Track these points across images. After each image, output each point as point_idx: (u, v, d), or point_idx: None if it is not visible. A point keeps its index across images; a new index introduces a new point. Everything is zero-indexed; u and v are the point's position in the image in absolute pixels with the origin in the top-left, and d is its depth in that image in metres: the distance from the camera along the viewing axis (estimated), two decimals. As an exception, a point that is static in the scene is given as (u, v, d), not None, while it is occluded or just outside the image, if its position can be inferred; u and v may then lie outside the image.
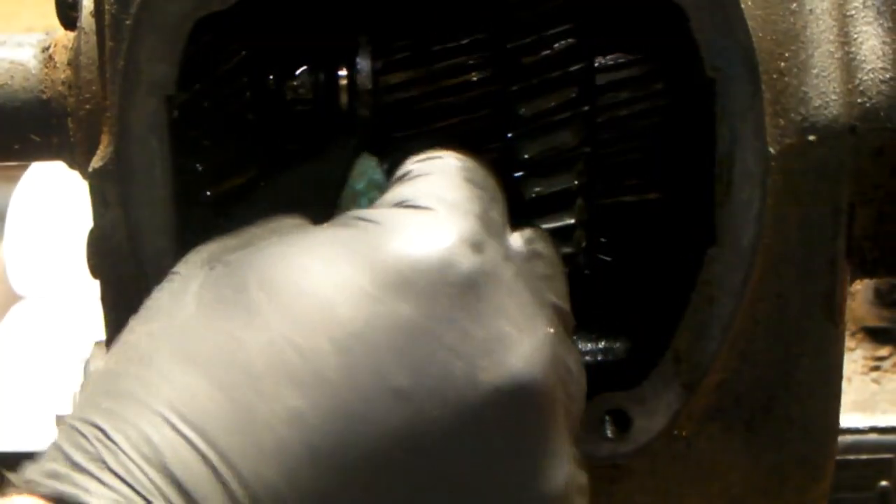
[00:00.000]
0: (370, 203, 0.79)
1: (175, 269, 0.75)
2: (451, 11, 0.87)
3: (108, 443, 0.65)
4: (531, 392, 0.69)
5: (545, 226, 0.86)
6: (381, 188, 0.80)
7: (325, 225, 0.74)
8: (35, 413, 1.77)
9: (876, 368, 1.67)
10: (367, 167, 0.83)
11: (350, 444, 0.65)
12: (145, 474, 0.64)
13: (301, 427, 0.65)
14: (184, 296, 0.71)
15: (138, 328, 0.72)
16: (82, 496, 0.64)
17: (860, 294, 1.71)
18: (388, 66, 0.87)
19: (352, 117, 0.87)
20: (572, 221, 0.87)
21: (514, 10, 0.87)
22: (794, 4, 0.83)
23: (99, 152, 0.84)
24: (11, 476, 0.66)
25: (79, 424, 0.67)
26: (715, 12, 0.80)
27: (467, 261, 0.69)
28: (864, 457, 1.52)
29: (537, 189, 0.87)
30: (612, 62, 0.88)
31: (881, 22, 0.86)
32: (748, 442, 0.89)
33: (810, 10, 0.84)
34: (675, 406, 0.85)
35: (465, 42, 0.87)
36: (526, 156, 0.87)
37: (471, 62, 0.87)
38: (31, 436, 1.73)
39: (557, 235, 0.84)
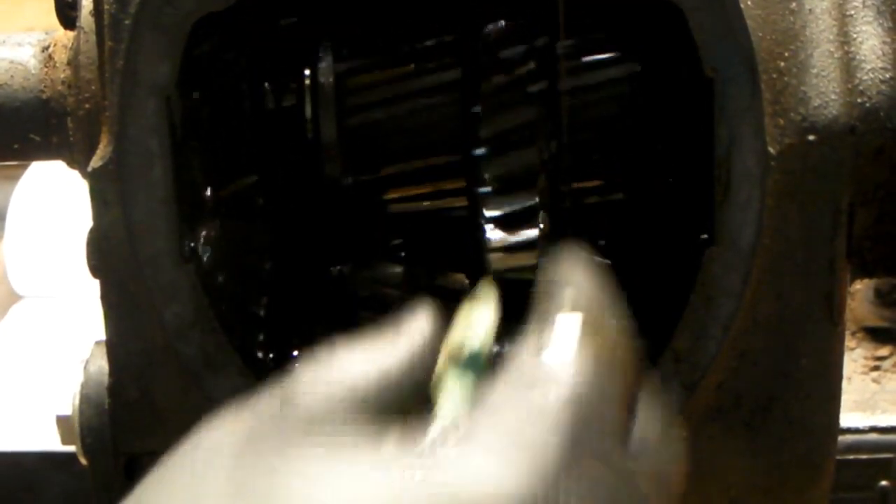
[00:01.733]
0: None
1: (200, 439, 0.69)
2: (419, 17, 0.88)
3: None
4: None
5: (510, 240, 0.87)
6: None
7: (383, 452, 0.67)
8: (35, 413, 1.77)
9: (876, 368, 1.67)
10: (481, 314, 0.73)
11: None
12: None
13: None
14: (208, 480, 0.66)
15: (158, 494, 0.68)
16: None
17: (860, 294, 1.71)
18: (352, 70, 0.87)
19: (316, 137, 0.88)
20: (535, 234, 0.88)
21: (479, 21, 0.88)
22: (794, 4, 0.83)
23: (98, 152, 0.84)
24: None
25: None
26: (714, 12, 0.80)
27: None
28: (864, 457, 1.53)
29: (502, 206, 0.88)
30: (578, 66, 0.88)
31: (881, 21, 0.86)
32: (748, 442, 0.89)
33: (810, 10, 0.84)
34: (674, 406, 0.85)
35: (430, 44, 0.87)
36: (488, 175, 0.88)
37: (432, 66, 0.87)
38: (31, 436, 1.73)
39: (524, 247, 0.85)
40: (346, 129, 0.88)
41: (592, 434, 0.66)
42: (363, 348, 0.69)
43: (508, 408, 0.66)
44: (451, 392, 0.69)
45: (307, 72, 0.88)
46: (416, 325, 0.71)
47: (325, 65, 0.87)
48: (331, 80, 0.87)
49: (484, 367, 0.69)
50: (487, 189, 0.88)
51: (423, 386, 0.70)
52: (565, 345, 0.68)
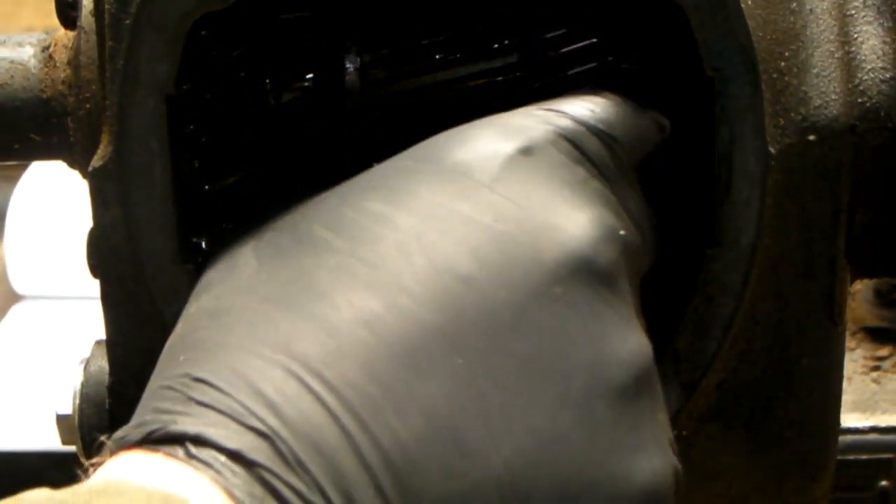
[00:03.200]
0: None
1: (216, 255, 0.77)
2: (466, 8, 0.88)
3: (194, 383, 0.66)
4: (593, 262, 0.72)
5: None
6: None
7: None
8: (35, 413, 1.77)
9: (876, 368, 1.66)
10: None
11: (425, 335, 0.67)
12: (235, 399, 0.65)
13: (378, 326, 0.66)
14: (238, 261, 0.73)
15: (198, 301, 0.73)
16: (170, 426, 0.64)
17: (860, 294, 1.71)
18: (376, 60, 0.87)
19: (336, 123, 0.88)
20: None
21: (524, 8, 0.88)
22: (794, 4, 0.83)
23: (99, 152, 0.84)
24: (106, 441, 0.67)
25: (160, 381, 0.68)
26: (715, 12, 0.80)
27: (509, 151, 0.73)
28: (864, 457, 1.52)
29: None
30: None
31: (881, 21, 0.86)
32: (748, 442, 0.89)
33: (810, 10, 0.84)
34: (674, 406, 0.85)
35: (455, 36, 0.87)
36: None
37: (459, 56, 0.87)
38: (31, 436, 1.73)
39: None
40: (371, 123, 0.88)
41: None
42: None
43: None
44: None
45: (321, 65, 0.88)
46: None
47: (351, 56, 0.87)
48: (356, 72, 0.87)
49: None
50: None
51: None
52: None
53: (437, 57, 0.88)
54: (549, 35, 0.88)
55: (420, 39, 0.88)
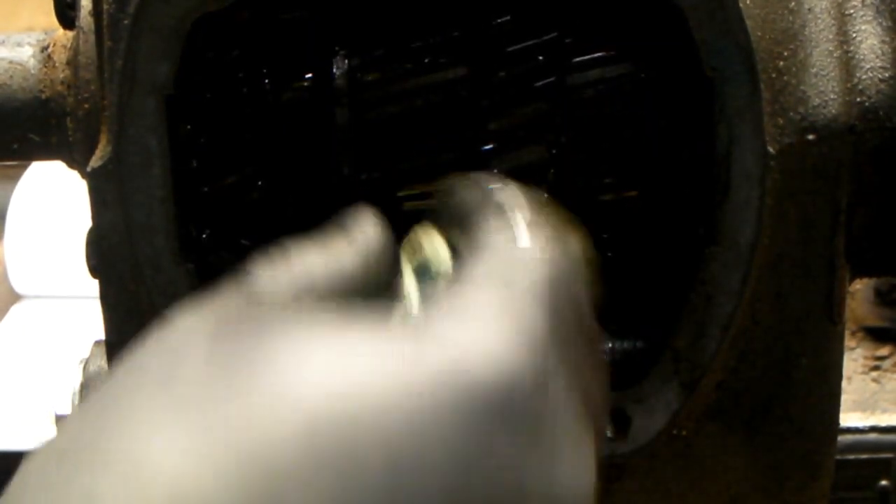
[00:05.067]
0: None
1: (169, 326, 0.63)
2: (427, 14, 0.88)
3: None
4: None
5: None
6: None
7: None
8: (35, 413, 1.77)
9: (876, 368, 1.67)
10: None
11: None
12: None
13: None
14: (183, 363, 0.60)
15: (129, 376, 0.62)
16: None
17: (860, 294, 1.71)
18: (364, 65, 0.87)
19: (330, 124, 0.88)
20: None
21: (489, 14, 0.88)
22: (793, 3, 0.83)
23: (98, 152, 0.84)
24: None
25: None
26: (713, 12, 0.80)
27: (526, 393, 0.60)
28: (864, 456, 1.53)
29: None
30: (586, 60, 0.88)
31: (880, 21, 0.86)
32: (748, 441, 0.89)
33: (809, 9, 0.84)
34: (674, 405, 0.85)
35: (440, 41, 0.87)
36: (495, 170, 0.87)
37: (444, 61, 0.87)
38: (31, 436, 1.73)
39: None
40: (361, 125, 0.88)
41: (572, 312, 0.64)
42: (319, 249, 0.66)
43: (492, 285, 0.62)
44: (415, 290, 0.67)
45: (315, 67, 0.88)
46: (368, 231, 0.69)
47: (339, 59, 0.87)
48: (345, 74, 0.87)
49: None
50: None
51: (380, 288, 0.67)
52: (539, 233, 0.65)
53: (427, 60, 0.88)
54: (545, 38, 0.88)
55: (409, 42, 0.88)
